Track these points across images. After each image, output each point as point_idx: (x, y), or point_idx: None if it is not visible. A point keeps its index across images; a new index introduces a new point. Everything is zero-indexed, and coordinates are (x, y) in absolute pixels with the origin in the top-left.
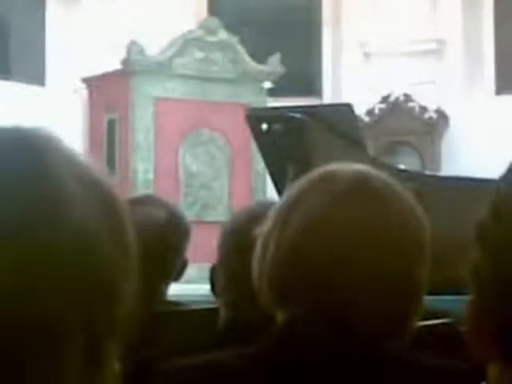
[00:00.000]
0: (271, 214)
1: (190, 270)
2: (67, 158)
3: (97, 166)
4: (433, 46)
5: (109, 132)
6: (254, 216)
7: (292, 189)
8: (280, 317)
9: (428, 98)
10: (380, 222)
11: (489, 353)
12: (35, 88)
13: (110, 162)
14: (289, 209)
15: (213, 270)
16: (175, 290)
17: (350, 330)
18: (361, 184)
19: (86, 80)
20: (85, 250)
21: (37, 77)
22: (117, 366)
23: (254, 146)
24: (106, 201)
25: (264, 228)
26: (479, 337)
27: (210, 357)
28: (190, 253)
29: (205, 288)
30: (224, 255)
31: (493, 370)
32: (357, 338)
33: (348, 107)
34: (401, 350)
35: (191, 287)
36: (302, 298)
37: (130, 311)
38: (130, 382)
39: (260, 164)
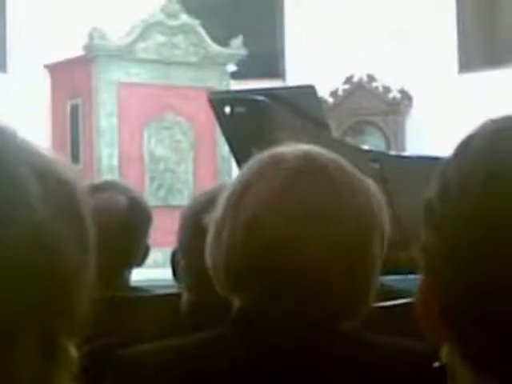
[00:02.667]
0: (222, 200)
1: (157, 255)
2: (23, 151)
3: (57, 158)
4: (395, 25)
5: (72, 118)
6: (213, 200)
7: (241, 173)
8: (236, 302)
9: (391, 78)
10: (330, 203)
11: (438, 334)
12: None
13: (74, 148)
14: (239, 194)
15: (174, 255)
16: (143, 275)
17: (303, 311)
18: (310, 165)
19: (48, 66)
20: (38, 247)
21: None
22: (75, 355)
23: (218, 130)
24: (64, 195)
25: (215, 214)
26: (428, 318)
27: (169, 342)
28: (156, 238)
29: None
30: (183, 240)
31: (444, 350)
32: (311, 319)
33: (310, 89)
34: (355, 329)
35: (159, 272)
36: (257, 283)
37: (87, 304)
38: (90, 369)
39: (225, 147)
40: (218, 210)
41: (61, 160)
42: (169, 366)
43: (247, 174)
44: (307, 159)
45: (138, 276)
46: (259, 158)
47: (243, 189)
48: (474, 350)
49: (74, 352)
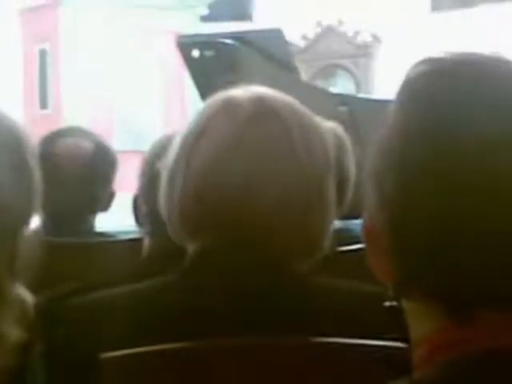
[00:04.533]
0: (174, 146)
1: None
2: None
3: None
4: None
5: (41, 62)
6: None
7: (195, 118)
8: (191, 248)
9: (361, 21)
10: (283, 148)
11: (383, 269)
12: None
13: (43, 94)
14: (192, 141)
15: (135, 200)
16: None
17: (260, 252)
18: (262, 109)
19: (18, 11)
20: None
21: None
22: (29, 300)
23: (187, 74)
24: (8, 144)
25: (168, 160)
26: (373, 253)
27: (124, 288)
28: (127, 182)
29: None
30: (144, 184)
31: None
32: (267, 260)
33: (278, 32)
34: (309, 273)
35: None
36: (213, 228)
37: (33, 249)
38: (48, 315)
39: (195, 92)
40: (170, 156)
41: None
42: (119, 311)
43: (199, 118)
44: (259, 103)
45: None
46: (212, 101)
47: (195, 135)
48: (423, 283)
49: (21, 297)
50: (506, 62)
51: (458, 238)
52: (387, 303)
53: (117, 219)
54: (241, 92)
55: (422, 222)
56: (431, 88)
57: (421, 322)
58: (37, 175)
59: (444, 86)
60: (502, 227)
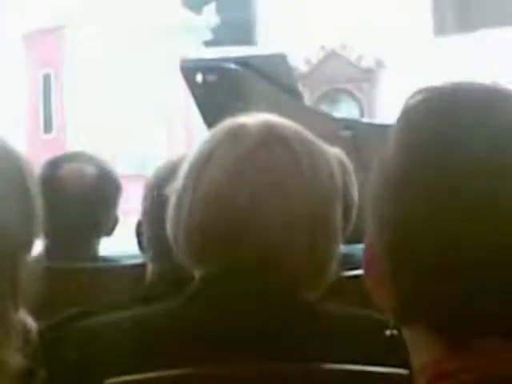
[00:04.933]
0: (182, 171)
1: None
2: None
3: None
4: None
5: (45, 87)
6: (175, 170)
7: (202, 143)
8: (197, 274)
9: (365, 45)
10: (290, 175)
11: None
12: None
13: (47, 119)
14: (200, 166)
15: (138, 225)
16: (116, 243)
17: (265, 278)
18: (269, 135)
19: (22, 36)
20: None
21: None
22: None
23: (191, 98)
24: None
25: (176, 185)
26: (371, 282)
27: (127, 313)
28: (130, 206)
29: None
30: (147, 210)
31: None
32: (273, 286)
33: (282, 56)
34: (316, 300)
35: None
36: (218, 254)
37: (33, 275)
38: (52, 340)
39: (199, 116)
40: (178, 182)
41: (5, 137)
42: (123, 336)
43: (208, 144)
44: (267, 130)
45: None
46: (220, 128)
47: (203, 160)
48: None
49: (24, 323)
50: (504, 91)
51: (457, 265)
52: (388, 332)
53: (121, 244)
54: (248, 119)
55: (419, 250)
56: (429, 117)
57: (421, 349)
58: (38, 202)
59: (441, 115)
60: (502, 254)
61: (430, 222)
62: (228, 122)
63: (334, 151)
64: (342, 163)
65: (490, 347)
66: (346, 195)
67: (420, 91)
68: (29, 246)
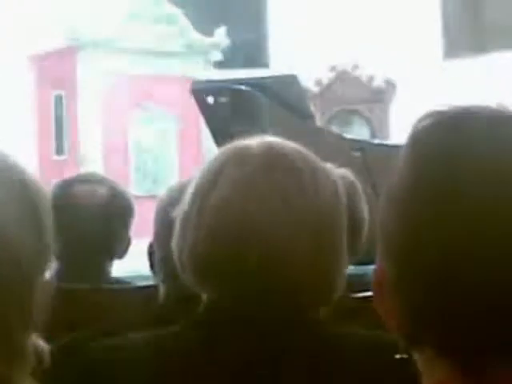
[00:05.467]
0: (188, 193)
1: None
2: None
3: (16, 159)
4: (379, 13)
5: (56, 109)
6: (185, 191)
7: (207, 167)
8: (204, 296)
9: (375, 66)
10: (293, 198)
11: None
12: None
13: (59, 140)
14: (205, 188)
15: (150, 247)
16: (130, 265)
17: (272, 299)
18: (273, 159)
19: (32, 57)
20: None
21: None
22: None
23: (202, 120)
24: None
25: (182, 207)
26: (381, 304)
27: (137, 334)
28: (141, 228)
29: None
30: (158, 231)
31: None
32: (280, 307)
33: (293, 78)
34: (324, 320)
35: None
36: (224, 276)
37: (46, 299)
38: (63, 362)
39: (210, 137)
40: (184, 204)
41: (19, 161)
42: (134, 357)
43: (212, 168)
44: (271, 151)
45: (127, 266)
46: (224, 150)
47: (208, 183)
48: (432, 337)
49: (35, 345)
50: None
51: (465, 288)
52: (398, 355)
53: (133, 265)
54: (253, 141)
55: (427, 273)
56: (438, 140)
57: (433, 372)
58: (50, 223)
59: (450, 138)
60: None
61: (436, 247)
62: (235, 144)
63: (343, 172)
64: (350, 183)
65: (503, 369)
66: (354, 211)
67: (429, 114)
68: (42, 271)
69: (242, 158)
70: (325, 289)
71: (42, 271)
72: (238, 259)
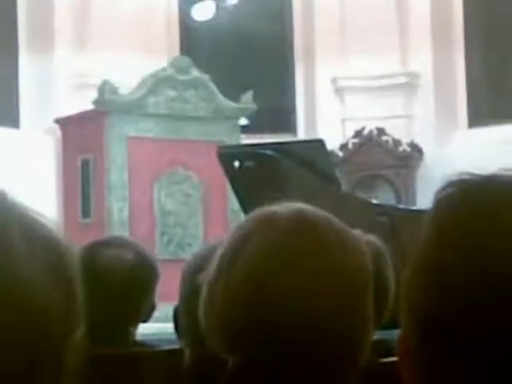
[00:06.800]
0: (215, 259)
1: (168, 309)
2: (12, 213)
3: (44, 218)
4: (404, 79)
5: (83, 172)
6: (212, 256)
7: (235, 232)
8: (231, 362)
9: (401, 132)
10: (321, 266)
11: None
12: (9, 130)
13: (85, 203)
14: (232, 254)
15: (176, 311)
16: (156, 328)
17: (297, 367)
18: (301, 226)
19: (59, 121)
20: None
21: (11, 119)
22: None
23: (228, 184)
24: (52, 259)
25: (209, 274)
26: (405, 370)
27: None
28: (166, 291)
29: None
30: (184, 295)
31: None
32: (305, 375)
33: (320, 143)
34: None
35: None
36: (251, 342)
37: (77, 360)
38: None
39: (235, 202)
40: (211, 269)
41: (48, 220)
42: None
43: (240, 233)
44: (299, 220)
45: (152, 329)
46: (252, 217)
47: (236, 249)
48: None
49: None
50: None
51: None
52: None
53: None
54: (281, 208)
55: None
56: (462, 209)
57: None
58: (79, 290)
59: (474, 207)
60: None
61: (464, 309)
62: (262, 210)
63: (370, 238)
64: (377, 248)
65: None
66: (381, 280)
67: (452, 183)
68: (72, 332)
69: (270, 224)
70: (350, 360)
71: (74, 334)
72: (275, 326)
